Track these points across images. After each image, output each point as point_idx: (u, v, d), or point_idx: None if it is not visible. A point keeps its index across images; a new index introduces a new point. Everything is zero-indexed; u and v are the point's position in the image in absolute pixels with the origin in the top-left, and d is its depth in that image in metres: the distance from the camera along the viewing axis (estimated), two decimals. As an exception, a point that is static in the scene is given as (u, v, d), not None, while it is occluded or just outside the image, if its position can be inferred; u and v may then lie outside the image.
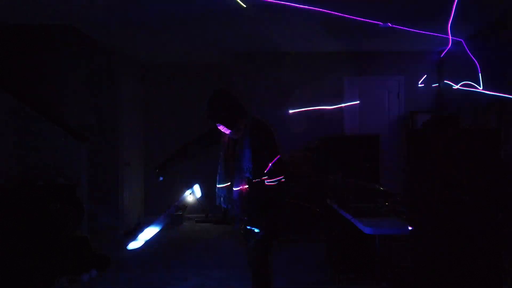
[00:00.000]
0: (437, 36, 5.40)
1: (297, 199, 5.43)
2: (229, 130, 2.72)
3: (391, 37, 5.46)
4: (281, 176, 2.68)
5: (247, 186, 2.68)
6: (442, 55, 5.86)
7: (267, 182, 2.65)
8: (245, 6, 3.74)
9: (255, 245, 2.70)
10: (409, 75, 6.29)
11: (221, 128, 2.73)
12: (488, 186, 2.39)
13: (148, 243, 3.32)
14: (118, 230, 5.73)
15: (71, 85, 5.64)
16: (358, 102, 6.19)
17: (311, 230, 5.38)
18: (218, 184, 2.85)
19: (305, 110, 6.30)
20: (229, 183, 2.79)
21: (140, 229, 6.04)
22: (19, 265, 3.58)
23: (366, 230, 2.75)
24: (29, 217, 3.81)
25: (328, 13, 4.40)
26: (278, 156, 2.68)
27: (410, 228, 2.50)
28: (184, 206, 6.91)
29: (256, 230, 2.67)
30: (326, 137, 5.12)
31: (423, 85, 6.04)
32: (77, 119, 5.55)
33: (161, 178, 2.99)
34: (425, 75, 6.15)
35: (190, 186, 6.77)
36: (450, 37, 5.06)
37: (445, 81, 6.02)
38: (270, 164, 2.64)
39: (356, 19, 4.50)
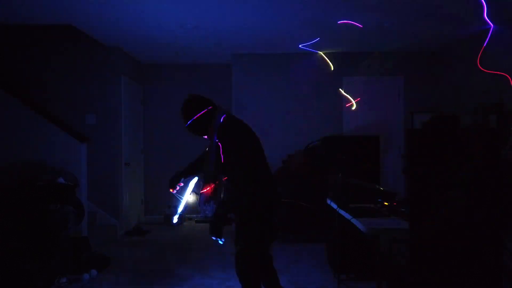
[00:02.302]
0: (437, 35, 5.42)
1: (297, 199, 5.43)
2: (205, 136, 2.67)
3: (391, 37, 5.47)
4: (253, 180, 2.52)
5: (212, 190, 2.62)
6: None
7: (231, 185, 2.58)
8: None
9: (236, 255, 2.60)
10: (409, 75, 6.29)
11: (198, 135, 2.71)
12: (487, 186, 2.39)
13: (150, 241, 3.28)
14: (118, 230, 5.73)
15: (71, 85, 5.65)
16: (358, 99, 6.19)
17: (311, 230, 5.38)
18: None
19: (305, 110, 6.32)
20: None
21: (139, 228, 6.06)
22: (19, 265, 3.58)
23: (366, 230, 2.75)
24: (29, 217, 3.81)
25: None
26: (247, 159, 2.53)
27: (410, 228, 2.50)
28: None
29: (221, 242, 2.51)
30: (326, 137, 5.12)
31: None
32: (77, 119, 5.56)
33: (174, 191, 2.90)
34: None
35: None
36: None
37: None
38: (235, 167, 2.52)
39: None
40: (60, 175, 4.60)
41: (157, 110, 7.06)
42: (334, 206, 3.61)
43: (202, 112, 2.61)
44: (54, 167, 4.73)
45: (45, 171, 4.65)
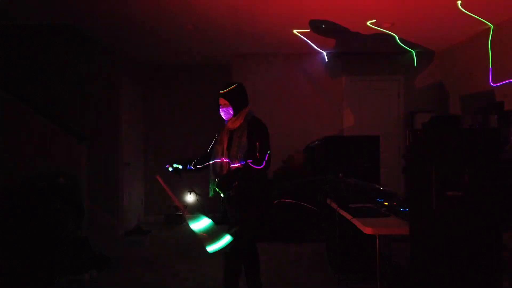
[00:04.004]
0: (438, 36, 5.41)
1: (297, 199, 5.43)
2: (231, 114, 2.97)
3: (391, 38, 5.47)
4: (266, 168, 2.89)
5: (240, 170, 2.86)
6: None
7: (251, 166, 2.83)
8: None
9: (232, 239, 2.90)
10: (409, 75, 6.29)
11: (225, 110, 2.98)
12: (488, 186, 2.39)
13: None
14: (118, 230, 5.73)
15: (71, 85, 5.64)
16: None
17: (311, 230, 5.38)
18: (213, 176, 3.02)
19: (305, 110, 6.32)
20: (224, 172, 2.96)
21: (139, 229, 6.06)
22: (19, 265, 3.58)
23: (366, 230, 2.75)
24: (29, 217, 3.81)
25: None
26: (268, 152, 2.90)
27: (410, 228, 2.50)
28: (184, 206, 6.90)
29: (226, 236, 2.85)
30: (326, 137, 5.12)
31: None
32: (77, 119, 5.55)
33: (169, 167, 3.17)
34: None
35: (189, 188, 6.66)
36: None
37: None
38: (258, 155, 2.87)
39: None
40: (60, 175, 4.61)
41: (157, 110, 7.06)
42: (334, 206, 3.61)
43: (245, 99, 3.04)
44: (54, 167, 4.73)
45: (45, 171, 4.66)
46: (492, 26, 4.76)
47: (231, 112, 2.98)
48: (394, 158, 6.18)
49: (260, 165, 2.84)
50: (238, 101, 2.99)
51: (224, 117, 3.04)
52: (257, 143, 2.89)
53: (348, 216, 3.15)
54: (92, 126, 5.63)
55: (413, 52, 6.10)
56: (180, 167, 3.15)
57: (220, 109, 3.02)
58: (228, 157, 2.94)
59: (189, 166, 3.19)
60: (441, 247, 2.40)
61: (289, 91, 6.34)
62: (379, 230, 2.75)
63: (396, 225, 2.81)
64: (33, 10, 4.44)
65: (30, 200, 4.00)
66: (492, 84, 4.71)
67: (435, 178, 2.40)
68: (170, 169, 3.15)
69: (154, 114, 7.07)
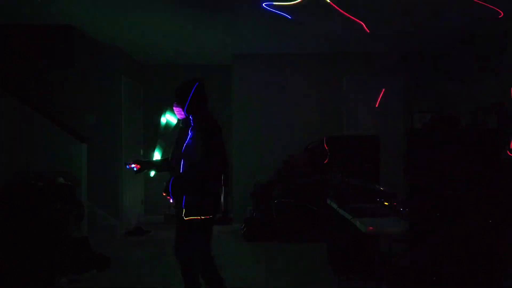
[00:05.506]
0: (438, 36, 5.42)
1: (298, 199, 5.43)
2: (183, 115, 2.80)
3: (392, 37, 5.47)
4: (209, 171, 2.69)
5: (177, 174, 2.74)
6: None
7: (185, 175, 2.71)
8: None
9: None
10: (409, 75, 6.29)
11: (177, 110, 2.81)
12: (487, 186, 2.39)
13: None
14: (118, 230, 5.73)
15: (71, 85, 5.64)
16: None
17: (311, 230, 5.38)
18: None
19: (305, 110, 6.32)
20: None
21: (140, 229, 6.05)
22: (19, 265, 3.58)
23: (366, 230, 2.75)
24: (29, 217, 3.81)
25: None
26: (210, 152, 2.67)
27: (410, 228, 2.51)
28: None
29: None
30: (326, 137, 5.12)
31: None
32: (77, 119, 5.55)
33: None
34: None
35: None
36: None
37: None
38: (194, 159, 2.66)
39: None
40: (60, 175, 4.60)
41: (157, 110, 7.06)
42: (334, 206, 3.61)
43: (197, 101, 2.76)
44: (54, 167, 4.73)
45: (45, 171, 4.65)
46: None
47: (183, 112, 2.78)
48: (394, 158, 6.17)
49: (201, 169, 2.64)
50: (186, 100, 2.73)
51: (178, 117, 2.88)
52: (200, 144, 2.66)
53: (348, 216, 3.15)
54: (92, 126, 5.63)
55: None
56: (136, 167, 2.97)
57: (174, 107, 2.83)
58: (173, 160, 2.85)
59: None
60: (441, 247, 2.40)
61: (289, 91, 6.34)
62: (379, 230, 2.75)
63: (396, 225, 2.81)
64: (33, 10, 4.44)
65: (30, 200, 3.99)
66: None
67: (435, 178, 2.40)
68: (134, 168, 2.96)
69: (154, 114, 7.06)
